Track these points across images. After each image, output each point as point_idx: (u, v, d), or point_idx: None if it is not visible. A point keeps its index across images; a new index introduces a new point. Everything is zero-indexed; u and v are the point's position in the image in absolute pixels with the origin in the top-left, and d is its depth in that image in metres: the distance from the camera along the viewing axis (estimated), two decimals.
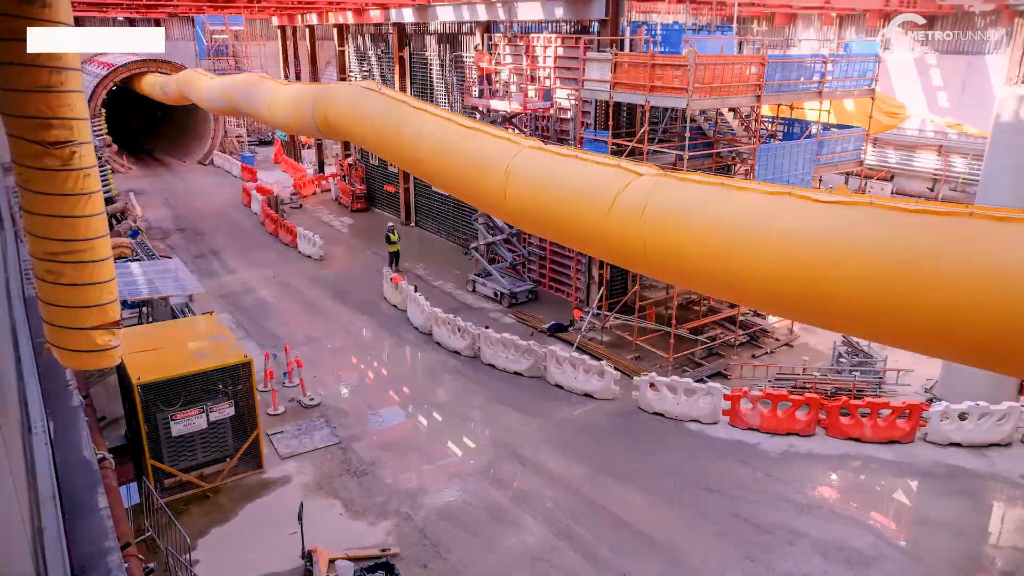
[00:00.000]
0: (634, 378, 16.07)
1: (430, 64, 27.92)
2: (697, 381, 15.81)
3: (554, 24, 21.31)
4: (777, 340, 19.14)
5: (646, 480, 13.37)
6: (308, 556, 10.92)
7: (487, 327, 18.36)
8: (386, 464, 13.84)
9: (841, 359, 16.86)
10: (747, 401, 14.95)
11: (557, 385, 16.78)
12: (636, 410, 15.66)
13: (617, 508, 12.57)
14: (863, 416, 14.62)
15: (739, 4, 24.13)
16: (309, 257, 26.38)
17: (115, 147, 37.07)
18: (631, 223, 10.41)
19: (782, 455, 14.16)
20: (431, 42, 27.61)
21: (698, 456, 14.16)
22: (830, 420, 14.68)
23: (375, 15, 29.90)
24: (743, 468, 13.74)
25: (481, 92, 21.48)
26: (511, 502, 12.77)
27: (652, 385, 15.61)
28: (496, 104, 20.76)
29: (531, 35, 21.83)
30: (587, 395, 16.35)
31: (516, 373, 17.35)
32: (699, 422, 15.21)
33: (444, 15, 25.70)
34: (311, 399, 16.08)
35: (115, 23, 46.85)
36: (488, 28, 23.95)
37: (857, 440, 14.51)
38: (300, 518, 11.00)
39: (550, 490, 13.11)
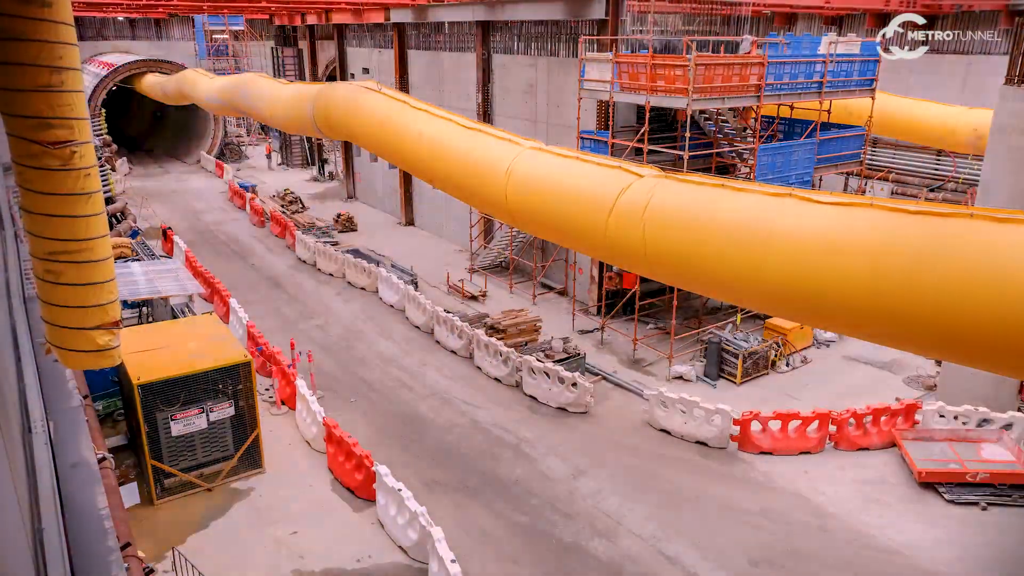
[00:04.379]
0: (644, 391, 15.76)
1: (431, 64, 27.90)
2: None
3: (553, 24, 21.29)
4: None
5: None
6: None
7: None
8: None
9: None
10: (757, 423, 14.18)
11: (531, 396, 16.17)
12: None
13: None
14: (867, 424, 14.26)
15: (739, 4, 24.12)
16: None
17: (114, 147, 37.06)
18: (632, 224, 10.40)
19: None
20: (432, 42, 27.59)
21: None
22: (840, 434, 14.20)
23: (375, 15, 29.88)
24: None
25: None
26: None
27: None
28: None
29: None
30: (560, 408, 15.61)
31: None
32: (706, 445, 14.42)
33: (444, 15, 25.68)
34: None
35: (115, 23, 46.90)
36: (487, 28, 23.93)
37: (866, 450, 14.14)
38: None
39: None
